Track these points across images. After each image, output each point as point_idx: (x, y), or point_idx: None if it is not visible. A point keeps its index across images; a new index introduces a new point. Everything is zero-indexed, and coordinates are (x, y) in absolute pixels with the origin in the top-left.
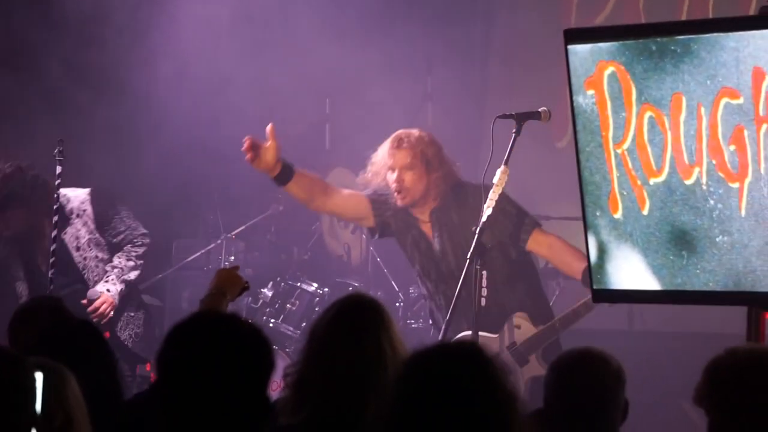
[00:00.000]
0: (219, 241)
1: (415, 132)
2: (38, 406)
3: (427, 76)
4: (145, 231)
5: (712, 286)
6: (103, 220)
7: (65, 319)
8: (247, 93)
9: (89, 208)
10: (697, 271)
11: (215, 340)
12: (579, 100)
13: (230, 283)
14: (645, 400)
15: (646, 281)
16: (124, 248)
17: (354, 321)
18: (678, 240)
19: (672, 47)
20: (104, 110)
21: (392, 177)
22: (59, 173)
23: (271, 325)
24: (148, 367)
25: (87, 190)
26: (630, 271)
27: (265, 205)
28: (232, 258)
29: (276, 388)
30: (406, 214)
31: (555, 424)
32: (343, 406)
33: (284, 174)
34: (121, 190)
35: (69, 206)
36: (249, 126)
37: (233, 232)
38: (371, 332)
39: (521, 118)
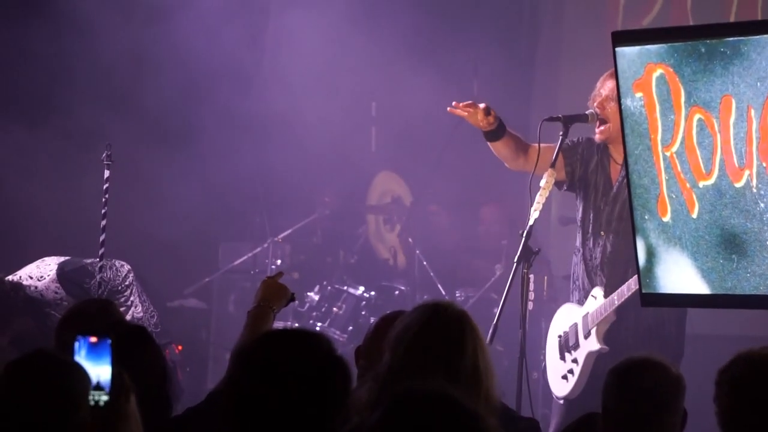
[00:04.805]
0: (265, 245)
1: None
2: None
3: (474, 78)
4: (123, 270)
5: (762, 290)
6: (82, 296)
7: (116, 322)
8: (294, 97)
9: (63, 294)
10: (748, 274)
11: (291, 365)
12: (627, 102)
13: (276, 294)
14: (695, 405)
15: (696, 285)
16: (113, 300)
17: (450, 333)
18: (728, 243)
19: (721, 49)
20: (150, 111)
21: (594, 106)
22: (107, 177)
23: (317, 328)
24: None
25: (53, 276)
26: (679, 274)
27: (311, 209)
28: (279, 261)
29: None
30: (599, 153)
31: (613, 430)
32: None
33: (499, 130)
34: (168, 192)
35: (45, 299)
36: (296, 130)
37: (280, 236)
38: (467, 348)
39: (568, 121)
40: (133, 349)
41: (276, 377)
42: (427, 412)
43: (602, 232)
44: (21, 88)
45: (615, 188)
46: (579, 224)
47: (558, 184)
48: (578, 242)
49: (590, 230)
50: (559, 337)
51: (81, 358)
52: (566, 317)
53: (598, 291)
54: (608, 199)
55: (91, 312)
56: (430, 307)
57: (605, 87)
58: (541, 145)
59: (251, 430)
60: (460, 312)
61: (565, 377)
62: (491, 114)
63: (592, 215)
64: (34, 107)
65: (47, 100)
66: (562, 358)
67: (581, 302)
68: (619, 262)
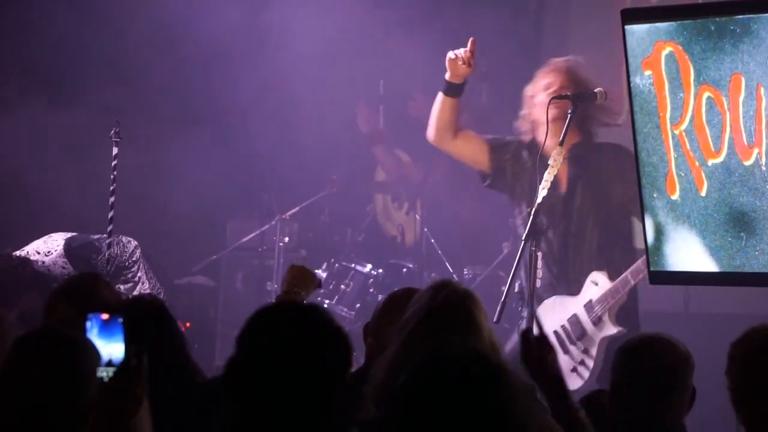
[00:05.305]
0: (273, 222)
1: (565, 57)
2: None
3: (483, 57)
4: (130, 246)
5: None
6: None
7: (136, 298)
8: (302, 75)
9: (70, 269)
10: (756, 252)
11: (295, 332)
12: (636, 80)
13: (304, 280)
14: (702, 384)
15: (704, 263)
16: (120, 276)
17: (453, 313)
18: (736, 221)
19: (731, 27)
20: (157, 87)
21: (542, 98)
22: (116, 154)
23: (325, 306)
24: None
25: (60, 251)
26: (687, 252)
27: (319, 186)
28: (286, 239)
29: None
30: (537, 152)
31: (621, 407)
32: None
33: (460, 88)
34: (176, 169)
35: (52, 275)
36: (304, 107)
37: (287, 213)
38: (471, 326)
39: (576, 99)
40: (153, 323)
41: (275, 348)
42: (456, 367)
43: (559, 225)
44: (35, 67)
45: (566, 187)
46: (520, 219)
47: (482, 176)
48: (524, 233)
49: (545, 222)
50: (556, 332)
51: (93, 336)
52: (557, 311)
53: (598, 276)
54: (559, 193)
55: (81, 287)
56: (432, 288)
57: (546, 77)
58: (474, 134)
59: (252, 402)
60: (463, 291)
61: (575, 370)
62: (471, 67)
63: (546, 208)
64: (46, 85)
65: (59, 77)
66: (566, 352)
67: (523, 295)
68: (580, 252)
